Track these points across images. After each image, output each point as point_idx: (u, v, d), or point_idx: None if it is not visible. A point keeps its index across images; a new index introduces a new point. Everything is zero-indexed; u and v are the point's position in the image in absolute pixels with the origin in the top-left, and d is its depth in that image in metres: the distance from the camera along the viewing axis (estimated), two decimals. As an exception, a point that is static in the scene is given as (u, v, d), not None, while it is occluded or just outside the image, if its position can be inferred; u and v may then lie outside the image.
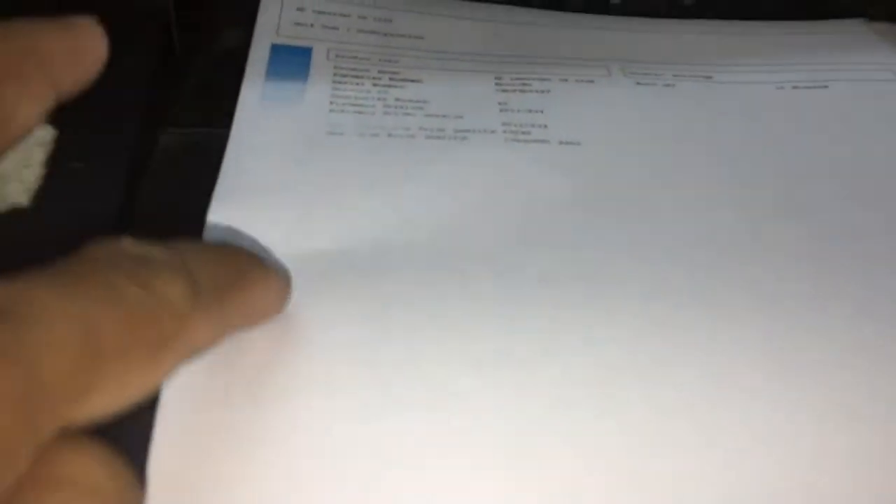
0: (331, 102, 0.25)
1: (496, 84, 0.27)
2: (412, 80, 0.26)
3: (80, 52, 0.15)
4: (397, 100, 0.25)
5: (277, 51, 0.27)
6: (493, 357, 0.18)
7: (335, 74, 0.26)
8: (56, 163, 0.22)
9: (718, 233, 0.22)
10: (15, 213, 0.21)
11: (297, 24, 0.28)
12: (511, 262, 0.20)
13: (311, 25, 0.28)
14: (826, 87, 0.27)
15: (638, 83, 0.27)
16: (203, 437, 0.16)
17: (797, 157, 0.24)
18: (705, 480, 0.16)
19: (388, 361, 0.18)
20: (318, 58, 0.27)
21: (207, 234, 0.20)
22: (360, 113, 0.25)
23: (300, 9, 0.28)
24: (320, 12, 0.28)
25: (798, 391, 0.18)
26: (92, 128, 0.23)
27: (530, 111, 0.25)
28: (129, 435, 0.16)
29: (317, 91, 0.25)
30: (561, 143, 0.24)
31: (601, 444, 0.16)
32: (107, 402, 0.11)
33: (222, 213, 0.21)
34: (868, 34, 0.30)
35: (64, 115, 0.23)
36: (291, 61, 0.27)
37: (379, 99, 0.25)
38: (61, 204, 0.21)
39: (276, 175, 0.22)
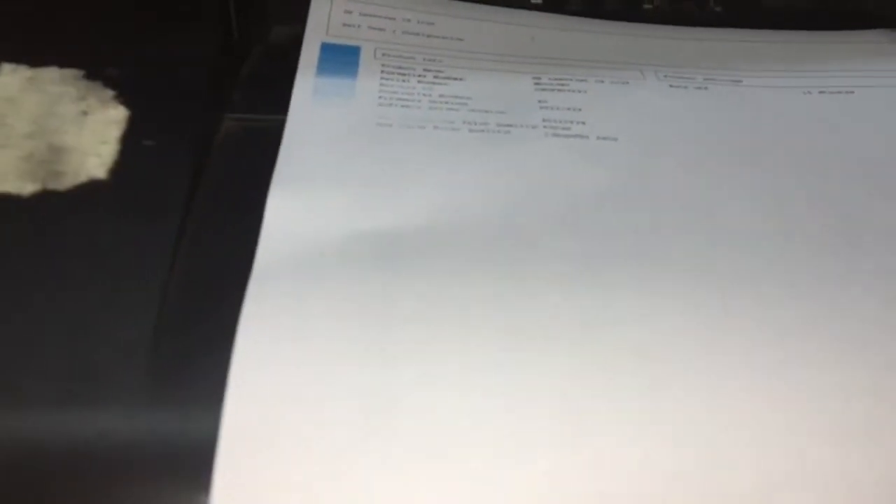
0: (379, 97, 0.27)
1: (535, 83, 0.28)
2: (455, 79, 0.28)
3: None
4: (441, 95, 0.27)
5: (327, 49, 0.29)
6: (537, 336, 0.19)
7: (382, 71, 0.28)
8: (129, 140, 0.24)
9: (748, 225, 0.23)
10: (93, 184, 0.23)
11: (346, 24, 0.30)
12: (554, 247, 0.22)
13: (359, 26, 0.30)
14: (852, 92, 0.29)
15: (671, 85, 0.28)
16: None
17: (824, 157, 0.25)
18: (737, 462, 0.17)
19: (439, 334, 0.19)
20: (366, 56, 0.29)
21: (268, 218, 0.22)
22: (406, 107, 0.26)
23: (348, 11, 0.30)
24: (367, 15, 0.30)
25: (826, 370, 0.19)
26: (161, 109, 0.25)
27: (569, 109, 0.27)
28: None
29: (366, 86, 0.27)
30: (598, 138, 0.26)
31: (649, 420, 0.17)
32: None
33: (281, 197, 0.22)
34: (893, 43, 0.32)
35: (136, 99, 0.25)
36: (341, 59, 0.28)
37: (424, 94, 0.27)
38: (135, 178, 0.23)
39: (330, 162, 0.24)
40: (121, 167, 0.23)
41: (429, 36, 0.30)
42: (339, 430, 0.17)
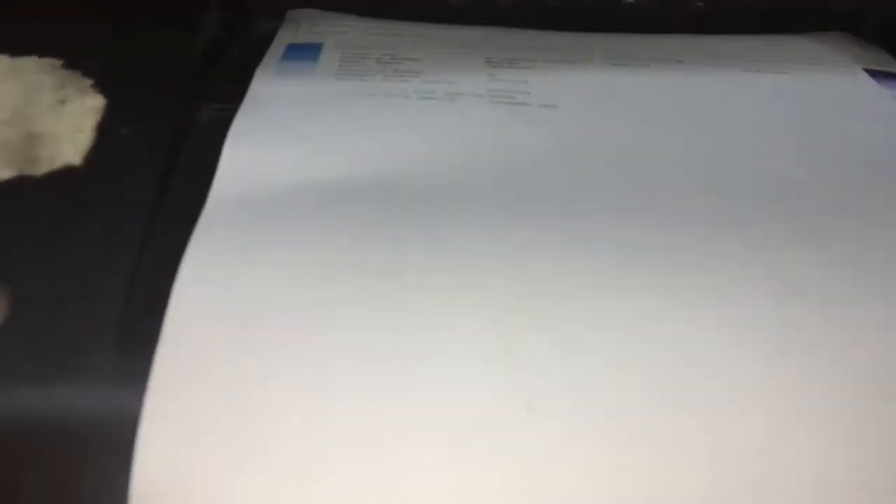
0: (337, 74, 0.29)
1: (486, 61, 0.30)
2: (411, 59, 0.30)
3: None
4: (395, 71, 0.29)
5: (292, 47, 0.31)
6: (467, 284, 0.20)
7: (342, 57, 0.30)
8: (106, 128, 0.24)
9: (682, 186, 0.24)
10: (68, 171, 0.23)
11: (313, 32, 0.32)
12: (490, 197, 0.23)
13: (324, 33, 0.32)
14: (787, 73, 0.30)
15: (615, 64, 0.30)
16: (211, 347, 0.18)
17: (757, 127, 0.27)
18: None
19: (376, 278, 0.20)
20: (328, 48, 0.31)
21: (222, 169, 0.23)
22: (362, 80, 0.28)
23: (314, 26, 0.33)
24: (332, 26, 0.33)
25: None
26: (138, 99, 0.26)
27: (515, 81, 0.29)
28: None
29: (325, 67, 0.29)
30: (540, 105, 0.27)
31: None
32: None
33: (236, 147, 0.24)
34: (846, 44, 0.33)
35: (114, 88, 0.26)
36: (304, 51, 0.30)
37: (379, 71, 0.29)
38: (109, 164, 0.23)
39: (287, 120, 0.26)
40: (96, 154, 0.23)
41: (390, 35, 0.32)
42: (280, 378, 0.18)
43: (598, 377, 0.18)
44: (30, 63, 0.26)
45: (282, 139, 0.25)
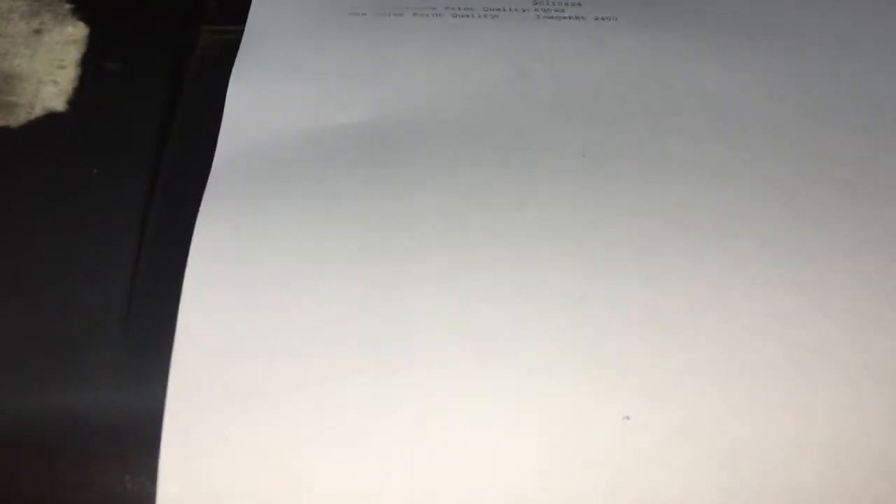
0: None
1: None
2: None
3: None
4: None
5: None
6: (530, 229, 0.18)
7: None
8: (91, 63, 0.21)
9: (771, 101, 0.21)
10: (50, 119, 0.20)
11: None
12: (545, 136, 0.20)
13: None
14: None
15: None
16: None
17: (853, 38, 0.23)
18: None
19: (419, 231, 0.18)
20: None
21: (228, 112, 0.20)
22: None
23: None
24: None
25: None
26: (126, 26, 0.22)
27: None
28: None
29: None
30: (597, 18, 0.24)
31: (646, 311, 0.17)
32: None
33: (240, 93, 0.21)
34: None
35: (95, 13, 0.22)
36: None
37: None
38: (97, 110, 0.20)
39: (297, 54, 0.22)
40: (81, 96, 0.20)
41: None
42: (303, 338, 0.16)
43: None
44: (-4, -14, 0.23)
45: (292, 78, 0.21)
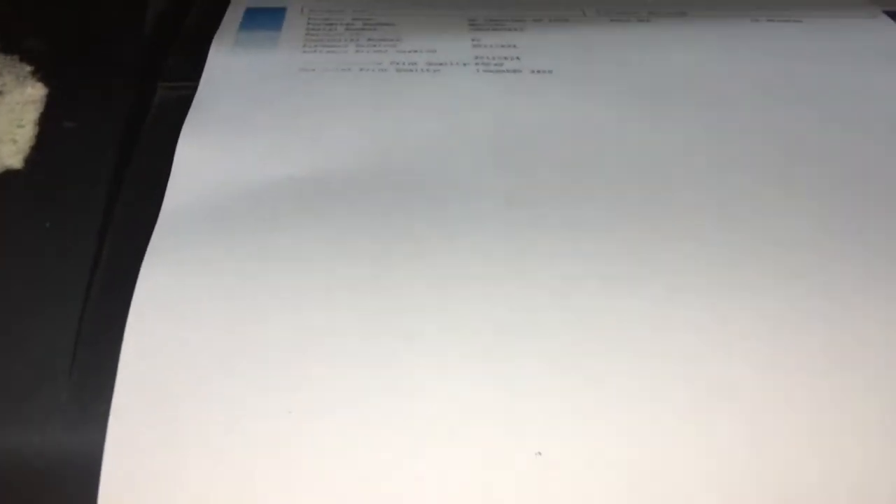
0: (304, 45, 0.26)
1: (470, 24, 0.27)
2: (385, 24, 0.27)
3: None
4: (369, 39, 0.26)
5: (251, 11, 0.28)
6: (462, 278, 0.18)
7: (309, 23, 0.27)
8: (49, 122, 0.22)
9: (694, 153, 0.22)
10: (7, 177, 0.20)
11: None
12: (476, 184, 0.21)
13: None
14: (801, 21, 0.28)
15: (612, 20, 0.27)
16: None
17: (769, 86, 0.24)
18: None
19: (358, 280, 0.18)
20: (291, 12, 0.28)
21: (176, 167, 0.21)
22: (332, 52, 0.25)
23: None
24: None
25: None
26: (84, 86, 0.23)
27: (503, 46, 0.26)
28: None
29: (290, 37, 0.26)
30: (533, 72, 0.25)
31: (562, 351, 0.17)
32: None
33: (190, 145, 0.21)
34: None
35: (54, 74, 0.23)
36: (265, 17, 0.27)
37: (351, 40, 0.26)
38: (54, 167, 0.21)
39: (246, 108, 0.23)
40: (38, 154, 0.21)
41: None
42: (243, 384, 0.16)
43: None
44: (-43, 48, 0.24)
45: (241, 132, 0.22)
